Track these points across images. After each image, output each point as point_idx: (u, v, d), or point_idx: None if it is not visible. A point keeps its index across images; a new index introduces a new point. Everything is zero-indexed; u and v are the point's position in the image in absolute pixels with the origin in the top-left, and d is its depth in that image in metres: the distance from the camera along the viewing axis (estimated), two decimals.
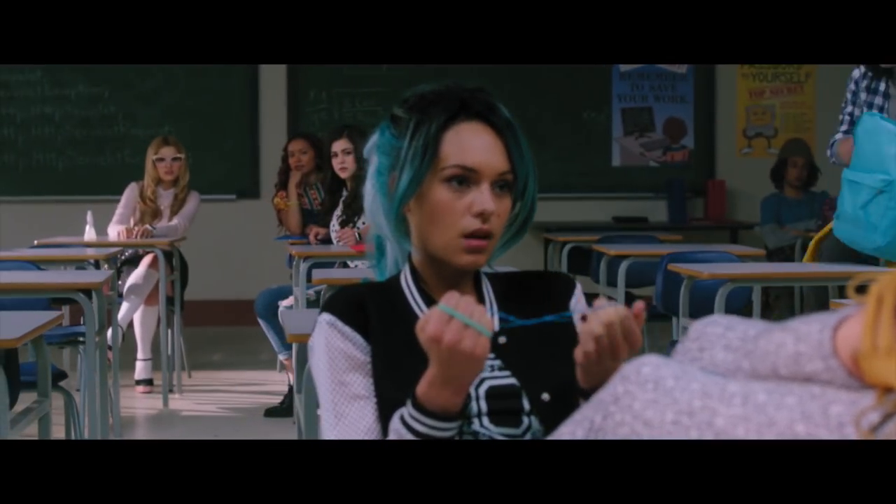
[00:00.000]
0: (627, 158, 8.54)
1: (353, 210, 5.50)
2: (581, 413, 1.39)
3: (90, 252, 5.21)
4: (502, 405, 1.71)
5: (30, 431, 4.19)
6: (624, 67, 8.48)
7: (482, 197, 1.72)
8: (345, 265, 5.36)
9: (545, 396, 1.72)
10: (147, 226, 5.90)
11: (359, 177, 5.50)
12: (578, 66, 8.22)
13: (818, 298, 4.38)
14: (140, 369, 5.94)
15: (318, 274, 3.85)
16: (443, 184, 1.74)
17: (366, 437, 1.67)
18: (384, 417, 1.67)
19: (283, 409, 5.42)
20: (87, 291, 3.46)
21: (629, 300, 4.13)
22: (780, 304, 7.02)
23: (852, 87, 4.41)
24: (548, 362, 1.75)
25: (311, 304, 4.83)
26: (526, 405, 1.72)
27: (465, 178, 1.73)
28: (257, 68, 8.28)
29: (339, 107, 8.35)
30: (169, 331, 5.93)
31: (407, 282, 1.81)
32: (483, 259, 1.75)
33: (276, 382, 6.28)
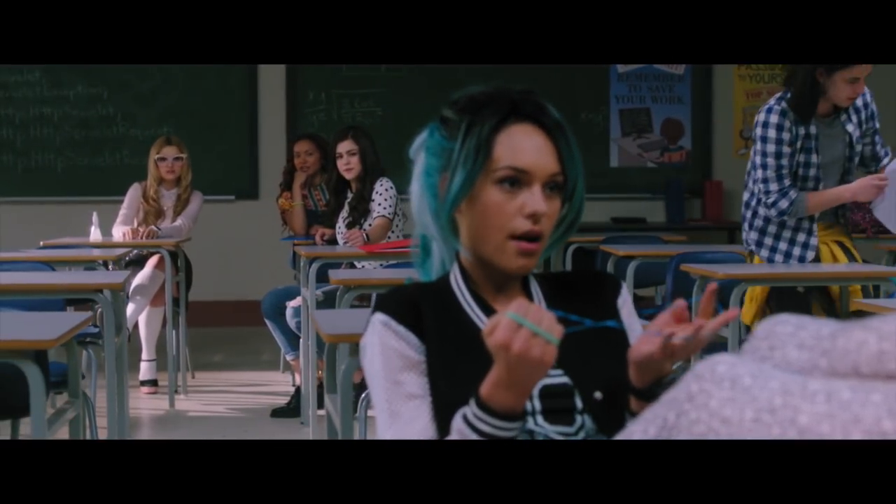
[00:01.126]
0: (625, 159, 8.57)
1: (359, 212, 5.51)
2: (652, 412, 1.40)
3: (103, 253, 5.21)
4: (556, 404, 1.73)
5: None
6: (622, 68, 8.51)
7: (534, 198, 1.73)
8: (352, 266, 5.38)
9: (597, 395, 1.74)
10: (152, 226, 5.90)
11: (363, 178, 5.51)
12: (576, 66, 8.25)
13: (822, 300, 4.41)
14: (145, 370, 5.94)
15: (335, 275, 3.86)
16: (494, 185, 1.75)
17: (421, 436, 1.68)
18: (440, 416, 1.68)
19: (289, 410, 5.42)
20: (103, 292, 3.47)
21: (636, 301, 4.15)
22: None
23: (773, 134, 4.21)
24: (599, 361, 1.77)
25: (319, 304, 4.84)
26: (579, 404, 1.73)
27: (516, 180, 1.74)
28: (256, 69, 8.28)
29: (337, 107, 8.36)
30: (174, 331, 5.93)
31: (457, 282, 1.82)
32: (533, 263, 1.76)
33: (279, 383, 6.29)
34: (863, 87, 4.17)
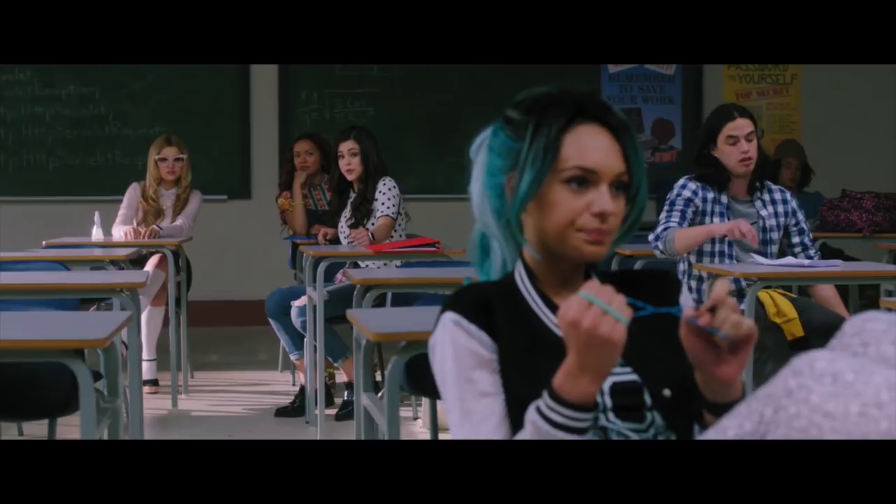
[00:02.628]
0: None
1: (362, 212, 5.52)
2: (747, 407, 1.43)
3: (106, 252, 5.20)
4: (626, 401, 1.75)
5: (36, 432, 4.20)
6: (613, 69, 8.54)
7: (601, 198, 1.76)
8: (356, 265, 5.39)
9: (666, 392, 1.76)
10: (154, 226, 5.89)
11: (364, 179, 5.52)
12: (568, 67, 8.25)
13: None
14: (146, 370, 5.93)
15: (354, 274, 3.87)
16: (562, 185, 1.77)
17: (494, 433, 1.70)
18: (513, 413, 1.70)
19: (294, 409, 5.43)
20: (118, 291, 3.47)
21: None
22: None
23: (676, 192, 4.39)
24: (666, 359, 1.79)
25: (325, 304, 4.86)
26: (648, 401, 1.75)
27: (584, 180, 1.76)
28: (248, 69, 8.27)
29: (330, 107, 8.36)
30: (177, 331, 5.93)
31: (522, 280, 1.84)
32: (604, 251, 1.79)
33: (279, 382, 6.29)
34: (747, 146, 4.27)
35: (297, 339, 5.40)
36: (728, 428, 1.42)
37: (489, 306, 1.77)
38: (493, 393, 1.72)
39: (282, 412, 5.43)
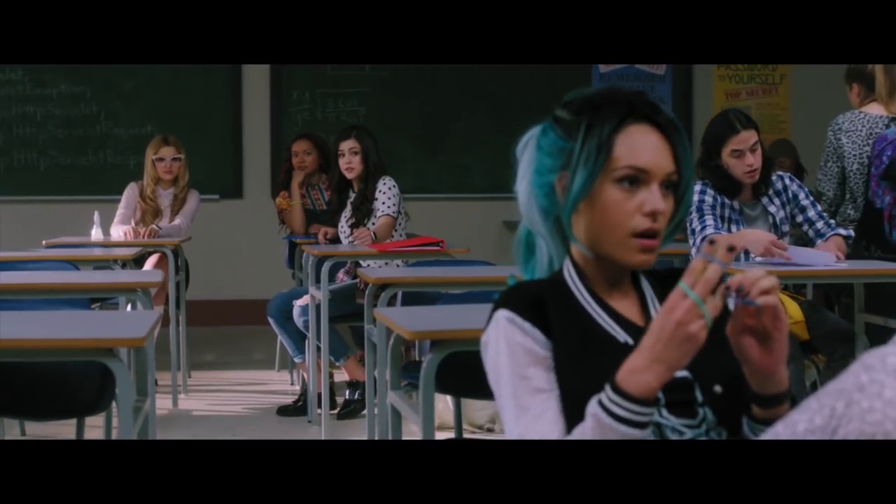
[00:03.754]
0: None
1: (363, 212, 5.52)
2: (816, 402, 1.45)
3: (106, 252, 5.20)
4: (678, 397, 1.77)
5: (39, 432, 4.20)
6: (603, 69, 8.58)
7: (653, 197, 1.78)
8: (357, 265, 5.40)
9: (717, 388, 1.78)
10: (154, 226, 5.89)
11: (364, 178, 5.53)
12: (558, 67, 8.31)
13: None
14: None
15: (370, 272, 3.88)
16: (614, 184, 1.79)
17: (550, 429, 1.71)
18: (569, 410, 1.72)
19: (296, 409, 5.44)
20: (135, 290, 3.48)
21: None
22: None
23: (709, 199, 4.40)
24: (716, 355, 1.81)
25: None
26: (699, 397, 1.78)
27: (635, 179, 1.78)
28: (240, 68, 8.27)
29: (322, 107, 8.37)
30: (177, 331, 5.92)
31: (572, 278, 1.85)
32: (653, 258, 1.81)
33: (276, 382, 6.31)
34: (752, 159, 4.29)
35: (299, 342, 5.40)
36: (798, 423, 1.44)
37: (542, 304, 1.78)
38: (548, 389, 1.74)
39: (284, 411, 5.44)
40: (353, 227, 5.54)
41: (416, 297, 3.87)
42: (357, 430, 5.11)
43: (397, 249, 5.07)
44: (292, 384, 6.20)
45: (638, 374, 1.59)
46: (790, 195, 4.45)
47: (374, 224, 5.47)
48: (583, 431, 1.64)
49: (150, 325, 2.37)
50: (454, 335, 2.38)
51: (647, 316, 1.85)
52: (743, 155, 4.27)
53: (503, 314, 1.78)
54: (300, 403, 5.46)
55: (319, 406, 5.17)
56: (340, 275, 5.40)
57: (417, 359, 4.44)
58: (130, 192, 6.17)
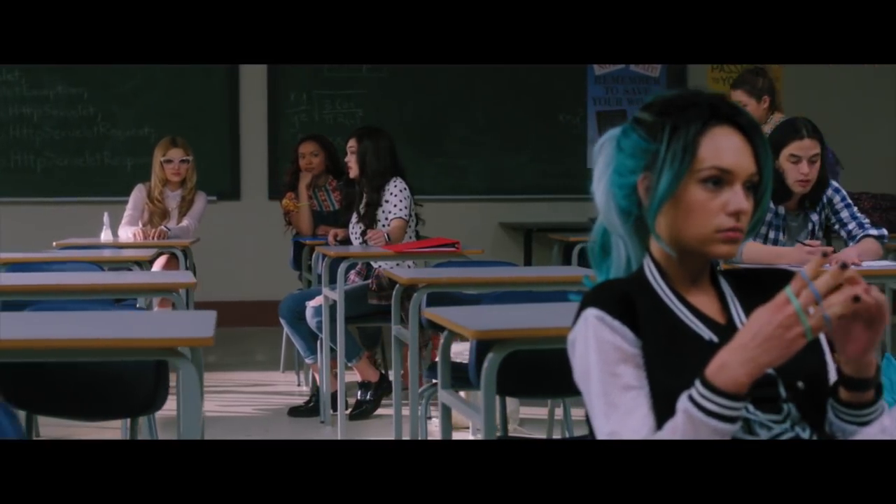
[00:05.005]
0: None
1: (369, 215, 5.53)
2: None
3: (116, 254, 5.20)
4: (763, 393, 1.80)
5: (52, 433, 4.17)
6: (598, 70, 8.63)
7: (737, 197, 1.81)
8: (368, 266, 5.42)
9: (800, 384, 1.82)
10: (163, 227, 5.89)
11: (363, 179, 5.53)
12: (554, 69, 8.37)
13: None
14: None
15: (403, 273, 3.89)
16: (699, 184, 1.82)
17: (641, 425, 1.74)
18: (659, 406, 1.75)
19: (308, 409, 5.46)
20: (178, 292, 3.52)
21: None
22: None
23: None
24: (799, 353, 1.84)
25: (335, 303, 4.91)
26: (782, 393, 1.81)
27: (719, 179, 1.82)
28: (237, 69, 8.27)
29: (319, 108, 8.38)
30: None
31: (654, 277, 1.88)
32: (736, 249, 1.85)
33: (282, 383, 6.32)
34: (808, 169, 4.26)
35: (311, 343, 5.41)
36: None
37: (630, 302, 1.81)
38: (638, 386, 1.77)
39: (295, 412, 5.45)
40: (362, 230, 5.56)
41: (441, 298, 3.89)
42: (370, 431, 5.13)
43: (413, 250, 5.09)
44: (299, 385, 6.21)
45: (729, 369, 1.63)
46: (825, 199, 4.46)
47: (384, 226, 5.48)
48: (674, 427, 1.67)
49: (212, 324, 2.39)
50: (517, 334, 2.41)
51: (727, 314, 1.88)
52: (800, 161, 4.24)
53: (592, 312, 1.80)
54: (311, 404, 5.48)
55: (332, 407, 5.19)
56: (352, 276, 5.42)
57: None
58: (138, 194, 6.17)
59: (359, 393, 5.41)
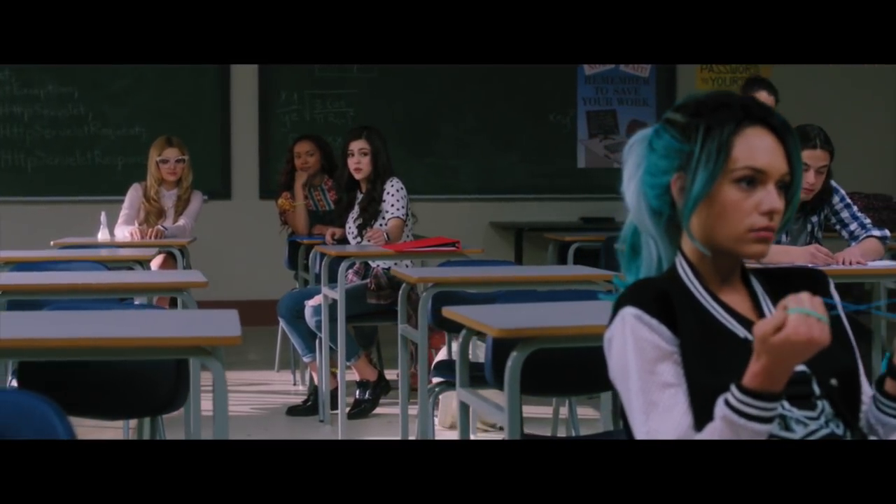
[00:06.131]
0: (592, 160, 8.74)
1: (370, 213, 5.55)
2: None
3: (111, 253, 5.20)
4: (797, 390, 1.83)
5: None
6: (589, 71, 8.66)
7: (770, 196, 1.84)
8: (366, 265, 5.43)
9: (833, 382, 1.85)
10: (159, 227, 5.88)
11: (373, 179, 5.55)
12: (544, 69, 8.39)
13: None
14: None
15: (416, 272, 3.90)
16: (732, 184, 1.85)
17: (680, 422, 1.76)
18: (697, 403, 1.77)
19: (306, 408, 5.47)
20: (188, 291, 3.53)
21: None
22: None
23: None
24: (832, 351, 1.87)
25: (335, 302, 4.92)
26: (816, 390, 1.84)
27: (753, 179, 1.85)
28: (228, 69, 8.26)
29: (310, 108, 8.38)
30: None
31: (687, 276, 1.91)
32: (768, 249, 1.88)
33: (277, 382, 6.33)
34: (814, 179, 4.30)
35: (309, 341, 5.42)
36: None
37: (668, 301, 1.84)
38: (676, 384, 1.79)
39: (293, 411, 5.46)
40: (360, 227, 5.57)
41: (446, 298, 3.90)
42: (370, 430, 5.15)
43: (414, 250, 5.11)
44: (295, 384, 6.22)
45: (766, 383, 1.65)
46: (822, 202, 4.49)
47: (382, 225, 5.50)
48: (712, 430, 1.69)
49: (237, 323, 2.40)
50: (541, 333, 2.43)
51: (759, 312, 1.91)
52: (808, 170, 4.25)
53: (630, 311, 1.83)
54: (309, 403, 5.49)
55: (331, 406, 5.20)
56: (350, 275, 5.43)
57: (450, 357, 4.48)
58: (134, 193, 6.16)
59: (357, 392, 5.42)
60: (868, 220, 4.53)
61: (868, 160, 8.68)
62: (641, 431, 1.78)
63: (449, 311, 2.74)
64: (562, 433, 4.23)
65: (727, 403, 1.68)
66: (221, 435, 2.19)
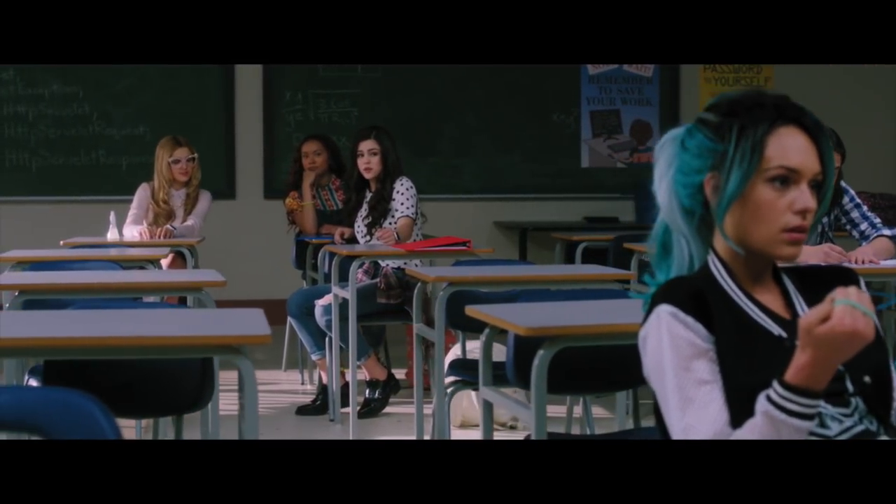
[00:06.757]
0: (596, 160, 8.75)
1: (379, 212, 5.56)
2: None
3: (120, 253, 5.21)
4: (831, 387, 1.83)
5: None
6: (592, 70, 8.68)
7: (803, 195, 1.86)
8: (376, 265, 5.44)
9: (867, 379, 1.87)
10: (168, 226, 5.89)
11: (382, 178, 5.57)
12: (548, 69, 8.41)
13: None
14: None
15: (433, 272, 3.90)
16: (766, 183, 1.86)
17: (717, 418, 1.78)
18: (733, 401, 1.78)
19: (315, 408, 5.48)
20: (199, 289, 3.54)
21: None
22: None
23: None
24: (866, 348, 1.89)
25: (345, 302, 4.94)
26: (850, 387, 1.86)
27: (786, 179, 1.86)
28: (233, 69, 8.27)
29: (314, 108, 8.39)
30: None
31: (720, 274, 1.92)
32: (800, 251, 1.89)
33: (285, 381, 6.34)
34: None
35: (319, 340, 5.43)
36: None
37: (703, 299, 1.85)
38: (712, 381, 1.81)
39: (303, 410, 5.47)
40: (369, 226, 5.58)
41: (459, 297, 3.91)
42: (381, 429, 5.16)
43: (425, 249, 5.12)
44: (303, 383, 6.23)
45: (810, 377, 1.66)
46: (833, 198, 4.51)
47: (391, 224, 5.51)
48: (752, 426, 1.71)
49: (264, 322, 2.41)
50: (568, 331, 2.44)
51: (791, 310, 1.92)
52: None
53: (665, 309, 1.84)
54: (318, 402, 5.50)
55: (342, 405, 5.21)
56: (359, 274, 5.44)
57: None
58: (143, 193, 6.16)
59: (367, 391, 5.43)
60: (878, 220, 4.56)
61: (869, 160, 8.69)
62: (678, 428, 1.80)
63: (473, 310, 2.75)
64: (576, 431, 4.24)
65: (769, 399, 1.69)
66: (251, 435, 2.21)
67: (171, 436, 3.85)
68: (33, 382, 3.32)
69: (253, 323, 2.41)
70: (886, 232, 4.44)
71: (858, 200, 4.57)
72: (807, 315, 1.64)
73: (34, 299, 3.52)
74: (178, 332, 2.31)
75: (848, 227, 4.54)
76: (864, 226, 4.49)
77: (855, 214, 4.51)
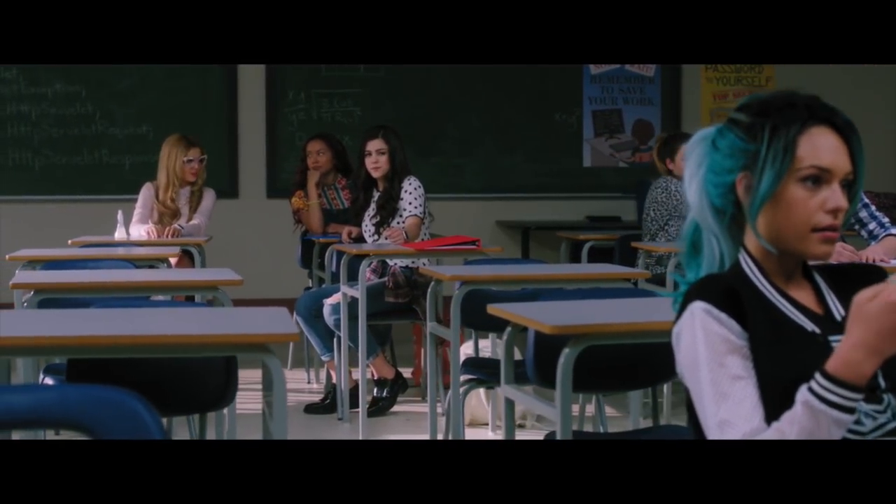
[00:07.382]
0: (598, 159, 8.77)
1: (387, 211, 5.57)
2: None
3: (128, 252, 5.21)
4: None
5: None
6: (594, 70, 8.70)
7: (835, 195, 1.88)
8: (383, 264, 5.45)
9: None
10: (176, 225, 5.89)
11: (390, 178, 5.58)
12: (550, 69, 8.43)
13: None
14: None
15: (449, 271, 3.91)
16: (798, 183, 1.88)
17: (752, 413, 1.79)
18: (768, 397, 1.80)
19: (324, 407, 5.49)
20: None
21: None
22: None
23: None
24: None
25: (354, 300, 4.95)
26: (882, 383, 1.87)
27: (818, 178, 1.88)
28: (235, 68, 8.27)
29: (317, 108, 8.40)
30: None
31: (752, 272, 1.94)
32: (833, 249, 1.91)
33: (291, 380, 6.31)
34: None
35: (327, 341, 5.44)
36: None
37: (736, 295, 1.86)
38: (746, 376, 1.82)
39: (311, 409, 5.48)
40: (377, 225, 5.59)
41: (471, 296, 3.93)
42: (389, 428, 5.17)
43: (435, 248, 5.13)
44: (309, 382, 6.24)
45: (854, 363, 1.68)
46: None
47: (399, 223, 5.52)
48: (792, 417, 1.72)
49: (290, 320, 2.42)
50: (594, 329, 2.46)
51: (824, 307, 1.94)
52: None
53: (699, 305, 1.85)
54: (327, 401, 5.51)
55: (351, 405, 5.22)
56: (368, 273, 5.45)
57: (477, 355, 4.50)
58: (147, 192, 6.16)
59: (374, 390, 5.45)
60: (886, 219, 4.58)
61: (869, 160, 8.65)
62: (713, 423, 1.81)
63: (495, 309, 2.76)
64: (588, 430, 4.26)
65: (810, 389, 1.71)
66: (280, 434, 2.21)
67: (184, 435, 3.87)
68: (49, 381, 3.33)
69: (278, 321, 2.42)
70: (895, 231, 4.46)
71: (867, 200, 4.59)
72: (859, 294, 1.66)
73: (49, 298, 3.53)
74: (205, 330, 2.32)
75: (857, 226, 4.56)
76: (872, 225, 4.51)
77: (863, 214, 4.53)
